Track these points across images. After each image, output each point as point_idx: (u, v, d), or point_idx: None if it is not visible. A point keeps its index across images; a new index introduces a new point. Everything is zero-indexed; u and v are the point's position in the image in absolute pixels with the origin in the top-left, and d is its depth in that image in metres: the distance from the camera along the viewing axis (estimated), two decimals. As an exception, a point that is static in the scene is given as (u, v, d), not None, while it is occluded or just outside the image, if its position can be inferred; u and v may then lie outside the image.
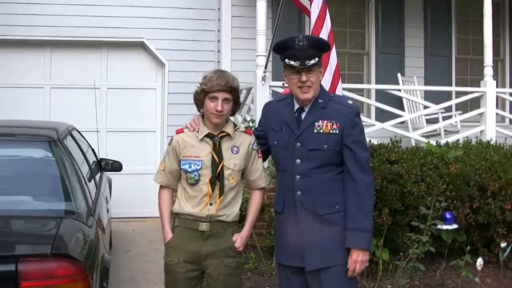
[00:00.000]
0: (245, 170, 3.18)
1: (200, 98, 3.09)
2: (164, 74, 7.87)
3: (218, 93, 3.02)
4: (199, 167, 3.06)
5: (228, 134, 3.12)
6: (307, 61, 2.98)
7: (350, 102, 3.13)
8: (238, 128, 3.21)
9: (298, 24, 7.99)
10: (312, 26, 5.31)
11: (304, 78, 3.01)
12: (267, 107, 3.32)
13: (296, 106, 3.14)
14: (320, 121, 3.04)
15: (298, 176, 3.06)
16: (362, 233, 2.97)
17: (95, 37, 7.66)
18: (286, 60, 3.04)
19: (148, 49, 7.84)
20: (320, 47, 3.07)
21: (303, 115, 3.11)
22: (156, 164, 6.60)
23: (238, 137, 3.17)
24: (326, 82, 5.22)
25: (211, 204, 3.06)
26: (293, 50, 3.00)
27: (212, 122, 3.08)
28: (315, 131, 3.04)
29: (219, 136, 3.10)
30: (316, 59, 3.01)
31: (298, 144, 3.06)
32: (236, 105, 3.14)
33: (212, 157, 3.06)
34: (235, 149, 3.13)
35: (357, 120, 3.06)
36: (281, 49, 3.10)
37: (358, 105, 3.20)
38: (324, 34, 5.32)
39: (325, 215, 3.02)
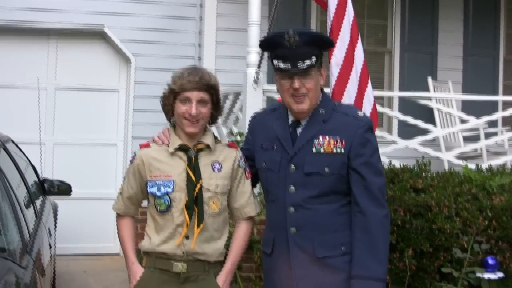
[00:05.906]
0: (228, 194, 3.15)
1: (169, 102, 3.07)
2: (129, 72, 7.89)
3: (191, 93, 2.99)
4: (171, 189, 3.04)
5: (207, 147, 3.10)
6: (301, 62, 2.94)
7: (360, 113, 3.13)
8: (220, 142, 3.20)
9: (301, 13, 8.04)
10: (332, 15, 5.35)
11: (296, 84, 2.96)
12: (255, 120, 3.32)
13: (291, 119, 3.12)
14: (320, 138, 3.02)
15: (292, 208, 3.03)
16: (372, 283, 2.93)
17: (41, 22, 7.67)
18: (275, 61, 3.01)
19: (109, 40, 7.86)
20: (318, 44, 3.02)
21: (299, 130, 3.09)
22: (117, 186, 6.57)
23: (220, 152, 3.15)
24: (352, 87, 5.24)
25: (187, 237, 3.02)
26: (282, 48, 2.95)
27: (186, 132, 3.05)
28: (314, 150, 3.02)
29: (196, 148, 3.08)
30: (313, 59, 2.97)
31: (293, 166, 3.04)
32: (216, 110, 3.12)
33: (188, 175, 3.03)
34: (217, 165, 3.11)
35: (369, 136, 3.04)
36: (268, 47, 3.10)
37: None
38: (346, 25, 5.37)
39: (326, 258, 3.00)
